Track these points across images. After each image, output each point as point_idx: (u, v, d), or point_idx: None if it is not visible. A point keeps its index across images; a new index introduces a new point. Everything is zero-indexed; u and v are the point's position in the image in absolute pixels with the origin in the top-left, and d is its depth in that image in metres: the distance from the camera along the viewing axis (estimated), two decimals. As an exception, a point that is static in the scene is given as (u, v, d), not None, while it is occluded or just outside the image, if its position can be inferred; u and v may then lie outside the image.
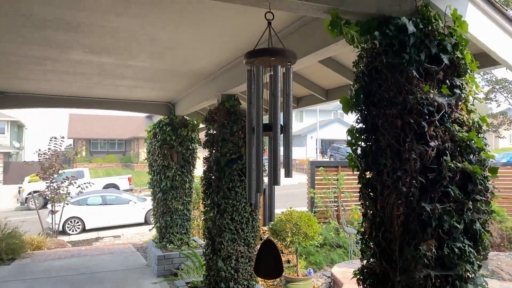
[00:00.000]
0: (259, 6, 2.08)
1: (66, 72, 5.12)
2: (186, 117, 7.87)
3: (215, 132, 5.09)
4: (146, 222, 15.59)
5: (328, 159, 36.10)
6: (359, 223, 7.63)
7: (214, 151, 5.05)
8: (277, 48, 1.95)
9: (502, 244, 8.97)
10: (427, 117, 2.03)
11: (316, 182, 9.66)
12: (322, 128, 41.04)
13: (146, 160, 8.64)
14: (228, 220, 4.92)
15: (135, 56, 4.34)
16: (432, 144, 2.01)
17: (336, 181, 9.38)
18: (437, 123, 2.04)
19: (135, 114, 44.09)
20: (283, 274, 5.75)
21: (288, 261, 6.78)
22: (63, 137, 13.48)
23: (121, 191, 18.62)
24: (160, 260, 7.13)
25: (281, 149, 2.04)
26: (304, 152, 39.33)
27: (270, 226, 6.11)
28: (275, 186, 2.14)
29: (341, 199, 9.21)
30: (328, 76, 4.74)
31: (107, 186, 22.46)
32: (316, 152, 38.92)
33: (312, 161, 10.60)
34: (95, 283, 6.87)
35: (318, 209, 9.20)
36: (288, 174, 1.98)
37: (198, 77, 5.38)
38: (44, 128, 52.13)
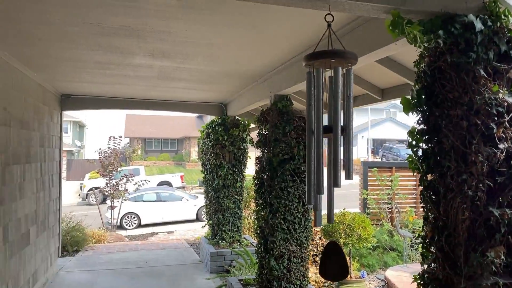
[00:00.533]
0: (318, 9, 2.10)
1: (127, 75, 5.40)
2: (238, 118, 8.01)
3: (267, 132, 5.14)
4: (197, 219, 16.02)
5: (380, 159, 35.13)
6: (414, 226, 7.38)
7: (266, 151, 5.10)
8: (338, 50, 1.95)
9: None
10: (496, 118, 1.94)
11: (368, 183, 9.45)
12: (374, 127, 40.00)
13: (198, 159, 8.91)
14: (280, 219, 4.96)
15: (192, 59, 4.49)
16: (501, 146, 1.93)
17: (390, 182, 9.13)
18: (507, 124, 1.95)
19: (188, 114, 45.49)
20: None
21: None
22: (121, 137, 14.18)
23: (174, 189, 19.25)
24: (213, 256, 7.31)
25: (341, 150, 2.04)
26: (355, 152, 38.51)
27: (323, 227, 6.08)
28: (333, 188, 2.14)
29: (395, 201, 8.94)
30: (383, 75, 4.63)
31: (161, 184, 23.30)
32: (368, 152, 38.01)
33: (365, 161, 10.38)
34: (152, 277, 7.18)
35: (371, 210, 9.00)
36: (348, 176, 1.98)
37: (250, 78, 5.46)
38: (103, 128, 55.16)
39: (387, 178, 9.14)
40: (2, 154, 4.37)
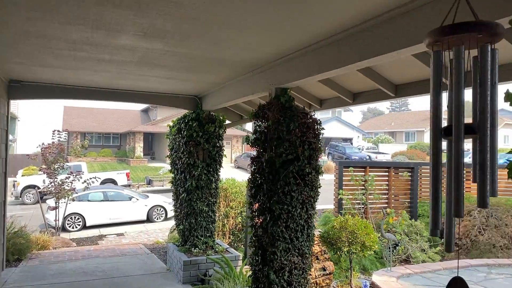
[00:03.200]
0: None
1: (101, 59, 4.57)
2: (212, 113, 7.37)
3: (266, 129, 4.59)
4: (148, 220, 15.11)
5: (326, 157, 35.78)
6: (406, 228, 7.11)
7: (267, 150, 4.55)
8: (489, 21, 1.47)
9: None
10: None
11: (343, 182, 9.21)
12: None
13: (166, 157, 8.11)
14: (282, 228, 4.44)
15: (191, 42, 3.81)
16: None
17: (364, 182, 8.96)
18: None
19: (134, 108, 43.30)
20: None
21: (324, 269, 6.33)
22: (66, 131, 12.83)
23: (122, 187, 17.99)
24: (186, 265, 6.62)
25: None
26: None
27: (321, 233, 5.66)
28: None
29: (369, 201, 8.79)
30: (400, 70, 4.27)
31: (104, 182, 21.76)
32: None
33: (341, 161, 10.15)
34: (117, 290, 6.34)
35: (346, 211, 8.77)
36: (493, 193, 1.51)
37: (248, 67, 4.87)
38: (37, 121, 50.89)
39: (362, 178, 8.97)
40: None
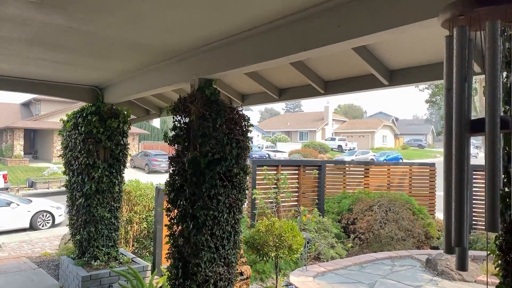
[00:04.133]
0: None
1: (-24, 33, 3.57)
2: (115, 107, 6.53)
3: (189, 125, 4.06)
4: (31, 228, 13.24)
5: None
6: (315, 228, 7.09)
7: (190, 148, 4.02)
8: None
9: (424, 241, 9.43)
10: None
11: (257, 182, 8.97)
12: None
13: (60, 157, 7.00)
14: (207, 236, 3.96)
15: (102, 17, 3.12)
16: None
17: (276, 181, 8.85)
18: None
19: (16, 99, 38.17)
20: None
21: (241, 273, 5.99)
22: None
23: (-2, 191, 15.54)
24: (85, 281, 5.72)
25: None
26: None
27: (246, 238, 5.27)
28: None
29: (281, 200, 8.72)
30: (333, 65, 4.09)
31: (-26, 184, 18.69)
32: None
33: (255, 159, 9.92)
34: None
35: (259, 210, 8.54)
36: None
37: (166, 54, 4.26)
38: None
39: (274, 176, 8.85)
40: None
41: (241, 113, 4.19)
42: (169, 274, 4.22)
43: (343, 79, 4.19)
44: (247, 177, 4.27)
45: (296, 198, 9.41)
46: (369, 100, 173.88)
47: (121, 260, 6.39)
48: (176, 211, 4.18)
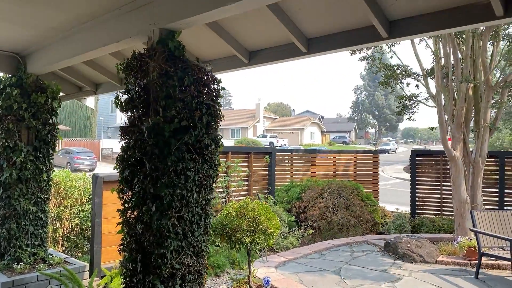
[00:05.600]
0: None
1: None
2: (41, 80, 5.48)
3: (146, 87, 3.30)
4: None
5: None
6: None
7: (150, 114, 3.26)
8: None
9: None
10: None
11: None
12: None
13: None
14: (174, 220, 3.25)
15: None
16: None
17: (227, 168, 8.19)
18: None
19: None
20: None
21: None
22: None
23: None
24: (6, 290, 4.64)
25: None
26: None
27: (213, 224, 4.57)
28: None
29: (232, 188, 8.09)
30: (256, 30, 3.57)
31: None
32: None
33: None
34: None
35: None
36: None
37: (115, 1, 3.45)
38: None
39: (224, 164, 8.18)
40: None
41: (211, 74, 3.52)
42: (123, 270, 3.42)
43: (329, 35, 3.69)
44: (219, 150, 3.61)
45: (247, 188, 8.85)
46: (296, 99, 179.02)
47: (51, 262, 5.35)
48: (131, 192, 3.40)
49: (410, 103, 8.98)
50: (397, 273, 6.10)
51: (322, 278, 5.82)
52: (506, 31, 7.84)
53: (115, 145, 32.49)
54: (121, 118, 44.95)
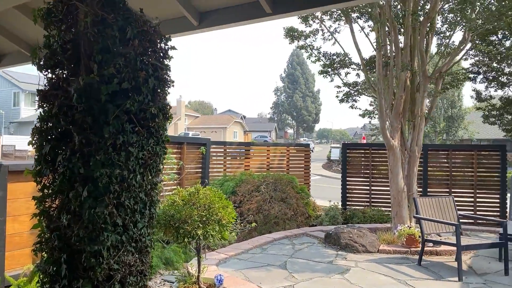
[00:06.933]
0: None
1: None
2: None
3: (74, 39, 2.57)
4: None
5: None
6: None
7: (81, 72, 2.53)
8: None
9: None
10: None
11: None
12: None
13: None
14: (112, 208, 2.56)
15: None
16: None
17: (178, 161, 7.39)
18: None
19: None
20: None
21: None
22: None
23: None
24: None
25: None
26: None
27: (159, 215, 3.83)
28: None
29: (163, 182, 7.30)
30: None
31: None
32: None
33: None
34: None
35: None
36: None
37: None
38: None
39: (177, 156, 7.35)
40: None
41: (157, 29, 2.88)
42: (41, 276, 2.64)
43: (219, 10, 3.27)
44: (167, 124, 2.98)
45: (179, 182, 8.12)
46: (218, 98, 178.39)
47: None
48: (52, 175, 2.63)
49: (352, 91, 8.94)
50: (343, 264, 5.89)
51: (269, 274, 5.39)
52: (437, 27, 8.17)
53: (19, 141, 29.12)
54: (27, 113, 40.64)
